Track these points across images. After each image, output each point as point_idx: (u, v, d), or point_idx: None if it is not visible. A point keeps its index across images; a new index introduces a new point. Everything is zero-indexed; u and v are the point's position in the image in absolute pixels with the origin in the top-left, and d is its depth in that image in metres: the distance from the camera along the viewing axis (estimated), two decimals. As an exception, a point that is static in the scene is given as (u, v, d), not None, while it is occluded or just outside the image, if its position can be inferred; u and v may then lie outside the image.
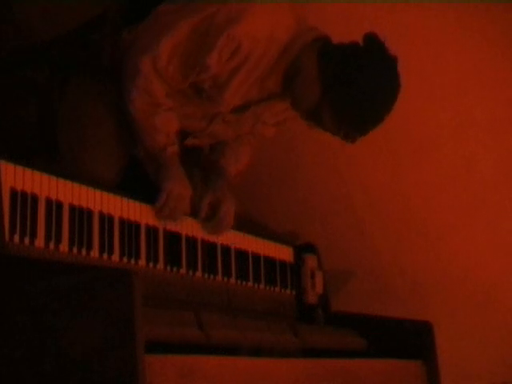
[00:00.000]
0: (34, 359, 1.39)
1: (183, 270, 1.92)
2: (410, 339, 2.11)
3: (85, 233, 1.69)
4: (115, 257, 1.76)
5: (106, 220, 1.76)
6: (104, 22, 2.08)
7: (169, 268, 1.88)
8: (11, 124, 2.32)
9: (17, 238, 1.54)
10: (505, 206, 2.39)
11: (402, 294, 2.57)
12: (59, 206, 1.65)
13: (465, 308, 2.46)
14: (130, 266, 1.79)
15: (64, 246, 1.64)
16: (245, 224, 2.15)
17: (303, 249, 2.33)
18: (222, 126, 2.03)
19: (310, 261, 2.31)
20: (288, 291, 2.25)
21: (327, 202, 2.65)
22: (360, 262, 2.63)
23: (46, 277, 1.43)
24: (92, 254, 1.70)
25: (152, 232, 1.87)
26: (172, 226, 1.93)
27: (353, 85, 1.80)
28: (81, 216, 1.70)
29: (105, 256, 1.73)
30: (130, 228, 1.81)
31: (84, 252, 1.68)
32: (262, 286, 2.15)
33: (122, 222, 1.80)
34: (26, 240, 1.56)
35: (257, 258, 2.16)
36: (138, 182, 2.00)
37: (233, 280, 2.06)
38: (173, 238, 1.92)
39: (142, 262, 1.82)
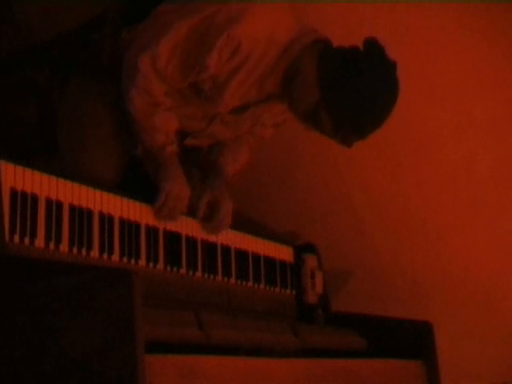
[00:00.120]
0: (33, 359, 1.39)
1: (183, 270, 1.92)
2: (409, 339, 2.11)
3: (85, 233, 1.69)
4: (115, 257, 1.76)
5: (106, 220, 1.76)
6: (104, 22, 2.08)
7: (169, 268, 1.88)
8: (11, 124, 2.32)
9: (17, 238, 1.54)
10: (505, 206, 2.39)
11: (402, 294, 2.57)
12: (59, 206, 1.65)
13: (465, 308, 2.47)
14: (130, 266, 1.79)
15: (64, 246, 1.64)
16: (245, 224, 2.15)
17: (303, 249, 2.33)
18: (221, 127, 2.03)
19: (310, 261, 2.31)
20: (288, 291, 2.25)
21: (327, 202, 2.65)
22: (360, 262, 2.63)
23: (46, 277, 1.43)
24: (92, 253, 1.70)
25: (152, 232, 1.87)
26: (172, 226, 1.93)
27: (352, 89, 1.80)
28: (81, 216, 1.70)
29: (105, 256, 1.73)
30: (130, 228, 1.81)
31: (84, 252, 1.68)
32: (261, 286, 2.15)
33: (122, 221, 1.80)
34: (26, 240, 1.56)
35: (257, 257, 2.16)
36: (138, 182, 2.00)
37: (233, 280, 2.06)
38: (173, 238, 1.92)
39: (142, 261, 1.82)
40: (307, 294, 2.28)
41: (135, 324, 1.33)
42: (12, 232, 1.54)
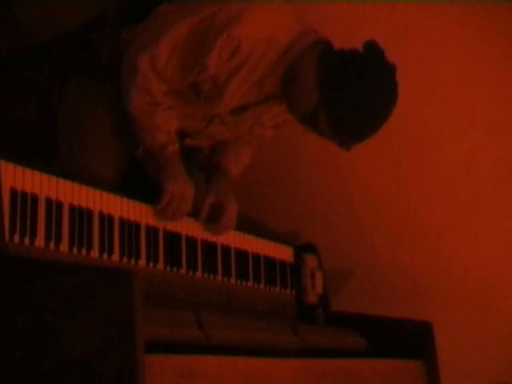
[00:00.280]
0: (33, 359, 1.39)
1: (183, 270, 1.92)
2: (410, 339, 2.11)
3: (85, 233, 1.69)
4: (115, 257, 1.76)
5: (106, 220, 1.76)
6: (104, 22, 2.08)
7: (169, 268, 1.88)
8: (11, 124, 2.32)
9: (17, 238, 1.54)
10: (505, 206, 2.39)
11: (402, 294, 2.57)
12: (59, 206, 1.65)
13: (465, 308, 2.47)
14: (130, 266, 1.79)
15: (64, 246, 1.64)
16: (245, 224, 2.15)
17: (303, 249, 2.33)
18: (221, 128, 2.03)
19: (310, 261, 2.31)
20: (288, 291, 2.25)
21: (327, 202, 2.65)
22: (360, 262, 2.63)
23: (46, 277, 1.43)
24: (92, 253, 1.70)
25: (152, 232, 1.87)
26: (172, 226, 1.93)
27: (351, 91, 1.80)
28: (81, 216, 1.70)
29: (105, 256, 1.73)
30: (130, 228, 1.81)
31: (84, 252, 1.68)
32: (261, 286, 2.15)
33: (122, 221, 1.80)
34: (26, 240, 1.56)
35: (257, 257, 2.16)
36: (138, 182, 2.00)
37: (233, 280, 2.06)
38: (173, 238, 1.92)
39: (142, 261, 1.82)
40: (307, 294, 2.28)
41: (135, 324, 1.33)
42: (12, 232, 1.54)
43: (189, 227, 1.97)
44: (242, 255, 2.11)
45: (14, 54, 2.40)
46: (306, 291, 2.28)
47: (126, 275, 1.35)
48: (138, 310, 1.34)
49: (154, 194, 1.89)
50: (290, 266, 2.29)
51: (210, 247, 2.02)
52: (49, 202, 1.64)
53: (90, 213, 1.72)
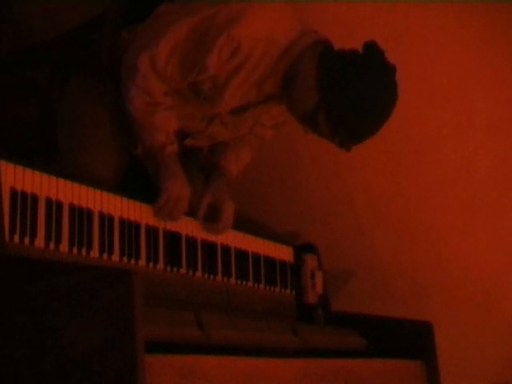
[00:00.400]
0: (34, 359, 1.39)
1: (183, 270, 1.92)
2: (410, 339, 2.11)
3: (85, 233, 1.69)
4: (115, 257, 1.76)
5: (106, 220, 1.76)
6: (104, 22, 2.08)
7: (169, 268, 1.89)
8: (11, 124, 2.32)
9: (17, 238, 1.54)
10: (505, 206, 2.39)
11: (402, 293, 2.57)
12: (59, 206, 1.65)
13: (465, 308, 2.47)
14: (130, 266, 1.79)
15: (64, 246, 1.64)
16: (245, 224, 2.15)
17: (303, 249, 2.33)
18: (221, 128, 2.03)
19: (310, 261, 2.31)
20: (288, 291, 2.25)
21: (327, 202, 2.65)
22: (360, 262, 2.63)
23: (46, 277, 1.43)
24: (92, 253, 1.70)
25: (152, 232, 1.87)
26: (172, 226, 1.93)
27: (350, 92, 1.80)
28: (81, 216, 1.70)
29: (105, 256, 1.73)
30: (130, 228, 1.81)
31: (84, 252, 1.68)
32: (261, 286, 2.15)
33: (122, 221, 1.80)
34: (26, 240, 1.56)
35: (257, 258, 2.16)
36: (138, 182, 2.00)
37: (233, 280, 2.06)
38: (173, 238, 1.92)
39: (142, 262, 1.82)
40: (307, 293, 2.28)
41: (135, 324, 1.33)
42: (12, 232, 1.54)
43: (189, 227, 1.97)
44: (241, 255, 2.11)
45: (14, 54, 2.40)
46: (306, 291, 2.28)
47: (126, 275, 1.35)
48: (138, 310, 1.33)
49: (154, 193, 1.89)
50: (290, 265, 2.29)
51: (209, 247, 2.02)
52: (49, 202, 1.64)
53: (89, 213, 1.72)
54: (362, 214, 2.60)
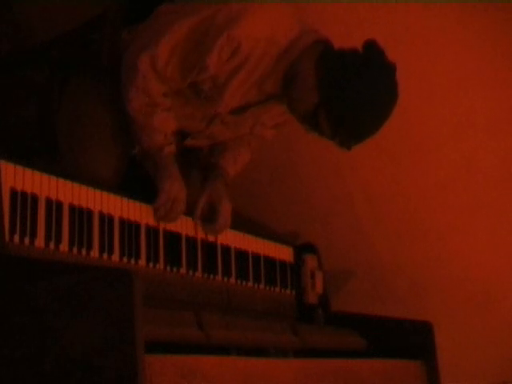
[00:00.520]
0: (33, 359, 1.39)
1: (183, 270, 1.92)
2: (410, 339, 2.11)
3: (85, 233, 1.69)
4: (115, 257, 1.76)
5: (106, 220, 1.76)
6: (104, 22, 2.08)
7: (169, 268, 1.89)
8: (11, 124, 2.32)
9: (17, 238, 1.55)
10: (505, 206, 2.39)
11: (401, 294, 2.57)
12: (59, 206, 1.65)
13: (465, 308, 2.47)
14: (130, 266, 1.79)
15: (64, 246, 1.64)
16: (245, 224, 2.15)
17: (303, 249, 2.33)
18: (221, 128, 2.03)
19: (310, 261, 2.31)
20: (288, 291, 2.25)
21: (327, 202, 2.65)
22: (360, 262, 2.63)
23: (46, 277, 1.43)
24: (92, 253, 1.70)
25: (152, 232, 1.87)
26: (172, 226, 1.93)
27: (350, 91, 1.79)
28: (81, 216, 1.70)
29: (105, 256, 1.73)
30: (130, 228, 1.81)
31: (84, 252, 1.68)
32: (261, 286, 2.15)
33: (122, 222, 1.80)
34: (26, 240, 1.56)
35: (257, 258, 2.16)
36: (138, 182, 2.00)
37: (233, 280, 2.06)
38: (173, 238, 1.92)
39: (142, 262, 1.82)
40: (307, 294, 2.28)
41: (135, 324, 1.33)
42: (12, 232, 1.54)
43: (189, 227, 1.97)
44: (241, 255, 2.11)
45: (14, 54, 2.40)
46: (306, 291, 2.28)
47: (126, 275, 1.35)
48: (138, 310, 1.34)
49: (154, 194, 1.89)
50: (290, 266, 2.29)
51: (209, 247, 2.02)
52: (49, 201, 1.64)
53: (89, 213, 1.72)
54: (362, 214, 2.60)
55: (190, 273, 1.94)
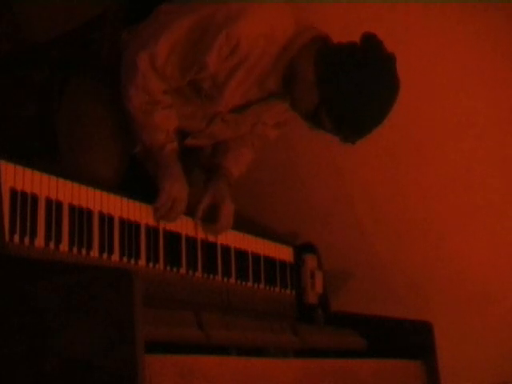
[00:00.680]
0: (33, 359, 1.39)
1: (183, 270, 1.92)
2: (410, 339, 2.11)
3: (85, 233, 1.69)
4: (115, 257, 1.76)
5: (106, 220, 1.76)
6: (104, 22, 2.08)
7: (169, 268, 1.89)
8: (11, 124, 2.32)
9: (17, 237, 1.54)
10: (505, 206, 2.39)
11: (402, 294, 2.57)
12: (59, 206, 1.65)
13: (465, 308, 2.46)
14: (130, 266, 1.79)
15: (64, 246, 1.64)
16: (245, 224, 2.15)
17: (303, 249, 2.33)
18: (222, 126, 2.02)
19: (310, 261, 2.31)
20: (288, 291, 2.25)
21: (327, 202, 2.65)
22: (360, 262, 2.63)
23: (46, 277, 1.43)
24: (92, 253, 1.70)
25: (152, 232, 1.87)
26: (172, 226, 1.93)
27: (350, 88, 1.79)
28: (81, 216, 1.70)
29: (105, 256, 1.73)
30: (130, 228, 1.81)
31: (84, 252, 1.68)
32: (261, 286, 2.15)
33: (122, 222, 1.80)
34: (26, 240, 1.56)
35: (257, 258, 2.16)
36: (138, 181, 2.00)
37: (233, 280, 2.06)
38: (173, 238, 1.92)
39: (142, 262, 1.82)
40: (307, 294, 2.28)
41: (135, 324, 1.33)
42: (12, 232, 1.54)
43: (189, 227, 1.97)
44: (241, 255, 2.11)
45: (14, 54, 2.40)
46: (306, 291, 2.28)
47: (126, 275, 1.35)
48: (138, 310, 1.34)
49: (154, 193, 1.89)
50: (290, 266, 2.29)
51: (209, 247, 2.02)
52: (49, 201, 1.64)
53: (89, 213, 1.72)
54: (362, 213, 2.60)
55: (190, 273, 1.94)
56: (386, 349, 2.07)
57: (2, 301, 1.45)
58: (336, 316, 2.26)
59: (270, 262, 2.21)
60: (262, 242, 2.20)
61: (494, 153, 2.37)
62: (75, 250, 1.66)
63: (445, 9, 2.24)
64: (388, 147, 2.44)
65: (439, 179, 2.45)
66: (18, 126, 2.30)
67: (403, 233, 2.55)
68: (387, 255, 2.59)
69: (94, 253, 1.71)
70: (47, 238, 1.61)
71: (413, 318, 2.15)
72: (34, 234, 1.58)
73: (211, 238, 2.03)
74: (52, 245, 1.61)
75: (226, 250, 2.06)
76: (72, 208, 1.68)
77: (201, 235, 2.00)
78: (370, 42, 1.80)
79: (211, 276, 2.00)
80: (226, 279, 2.04)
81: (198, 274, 1.96)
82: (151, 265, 1.84)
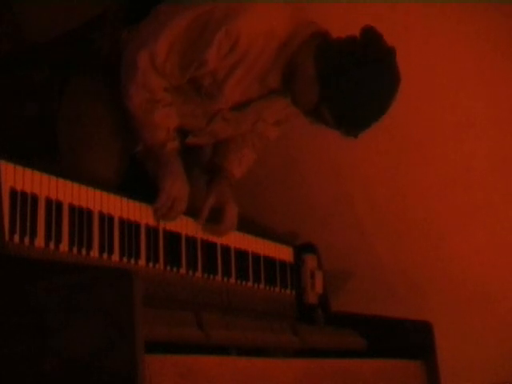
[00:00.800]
0: (33, 359, 1.39)
1: (183, 270, 1.92)
2: (410, 339, 2.11)
3: (85, 233, 1.69)
4: (115, 257, 1.76)
5: (106, 220, 1.76)
6: (104, 22, 2.08)
7: (169, 268, 1.89)
8: (11, 124, 2.32)
9: (17, 237, 1.54)
10: (504, 206, 2.39)
11: (402, 293, 2.57)
12: (59, 205, 1.65)
13: (465, 308, 2.46)
14: (130, 266, 1.79)
15: (64, 246, 1.64)
16: (245, 224, 2.15)
17: (303, 249, 2.33)
18: (222, 124, 2.02)
19: (310, 261, 2.31)
20: (288, 291, 2.25)
21: (327, 202, 2.65)
22: (360, 262, 2.63)
23: (46, 277, 1.43)
24: (92, 253, 1.70)
25: (152, 232, 1.87)
26: (172, 226, 1.93)
27: (350, 82, 1.79)
28: (81, 216, 1.70)
29: (105, 256, 1.73)
30: (129, 228, 1.81)
31: (84, 252, 1.68)
32: (261, 286, 2.15)
33: (122, 222, 1.80)
34: (26, 240, 1.56)
35: (257, 258, 2.16)
36: (138, 181, 2.00)
37: (233, 280, 2.06)
38: (173, 238, 1.92)
39: (142, 262, 1.82)
40: (307, 294, 2.28)
41: (135, 324, 1.33)
42: (12, 232, 1.54)
43: (189, 227, 1.97)
44: (241, 255, 2.11)
45: (14, 54, 2.41)
46: (306, 291, 2.28)
47: (126, 275, 1.35)
48: (138, 310, 1.33)
49: (154, 193, 1.89)
50: (290, 266, 2.29)
51: (209, 247, 2.02)
52: (49, 201, 1.64)
53: (89, 213, 1.72)
54: (362, 213, 2.60)
55: (190, 273, 1.94)
56: (386, 349, 2.07)
57: (2, 301, 1.45)
58: (336, 316, 2.26)
59: (270, 262, 2.21)
60: (262, 242, 2.20)
61: (494, 153, 2.37)
62: (75, 250, 1.66)
63: (445, 9, 2.24)
64: (388, 147, 2.44)
65: (439, 179, 2.45)
66: (17, 126, 2.30)
67: (403, 233, 2.55)
68: (387, 255, 2.59)
69: (94, 253, 1.71)
70: (47, 238, 1.61)
71: (413, 317, 2.15)
72: (33, 234, 1.58)
73: (211, 238, 2.03)
74: (52, 245, 1.61)
75: (225, 249, 2.06)
76: (72, 208, 1.68)
77: (201, 235, 2.00)
78: (370, 36, 1.80)
79: (211, 276, 2.00)
80: (226, 279, 2.04)
81: (198, 274, 1.96)
82: (151, 265, 1.84)
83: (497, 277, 2.43)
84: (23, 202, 1.58)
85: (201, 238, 2.00)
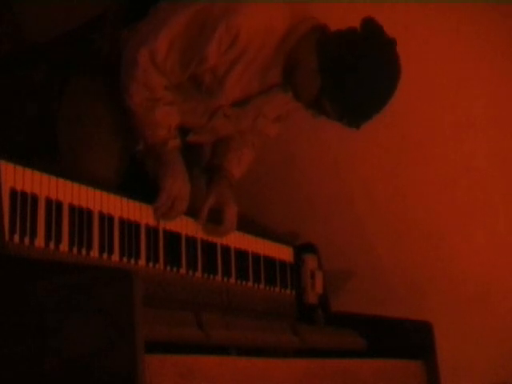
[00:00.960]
0: (33, 359, 1.39)
1: (183, 270, 1.92)
2: (409, 339, 2.11)
3: (85, 233, 1.69)
4: (115, 257, 1.76)
5: (106, 220, 1.76)
6: (104, 22, 2.08)
7: (169, 268, 1.88)
8: (11, 124, 2.32)
9: (17, 237, 1.54)
10: (504, 206, 2.39)
11: (402, 293, 2.57)
12: (59, 205, 1.65)
13: (465, 308, 2.46)
14: (130, 266, 1.79)
15: (64, 246, 1.64)
16: (245, 224, 2.15)
17: (303, 249, 2.33)
18: (223, 121, 2.02)
19: (310, 261, 2.31)
20: (288, 291, 2.25)
21: (327, 202, 2.65)
22: (360, 262, 2.63)
23: (46, 277, 1.43)
24: (92, 253, 1.70)
25: (152, 232, 1.87)
26: (172, 226, 1.93)
27: (351, 73, 1.79)
28: (81, 216, 1.70)
29: (105, 256, 1.73)
30: (129, 228, 1.81)
31: (84, 252, 1.68)
32: (261, 285, 2.15)
33: (122, 222, 1.80)
34: (26, 240, 1.56)
35: (257, 258, 2.16)
36: (138, 181, 2.00)
37: (233, 280, 2.06)
38: (173, 238, 1.92)
39: (142, 262, 1.82)
40: (307, 294, 2.28)
41: (135, 324, 1.33)
42: (12, 232, 1.53)
43: (189, 227, 1.97)
44: (241, 255, 2.11)
45: (14, 54, 2.41)
46: (306, 291, 2.28)
47: (126, 275, 1.35)
48: (138, 310, 1.33)
49: (154, 193, 1.89)
50: (290, 266, 2.29)
51: (209, 247, 2.02)
52: (49, 201, 1.63)
53: (89, 213, 1.72)
54: (362, 213, 2.60)
55: (190, 273, 1.94)
56: (386, 349, 2.07)
57: (2, 301, 1.45)
58: (336, 316, 2.26)
59: (270, 262, 2.21)
60: (262, 242, 2.20)
61: (494, 153, 2.37)
62: (75, 250, 1.66)
63: (445, 9, 2.24)
64: (388, 147, 2.45)
65: (439, 179, 2.45)
66: (17, 126, 2.30)
67: (403, 233, 2.55)
68: (387, 255, 2.59)
69: (94, 253, 1.71)
70: (47, 238, 1.61)
71: (413, 317, 2.15)
72: (33, 234, 1.58)
73: (211, 238, 2.03)
74: (52, 245, 1.61)
75: (225, 249, 2.06)
76: (72, 208, 1.68)
77: (201, 235, 2.00)
78: (370, 27, 1.81)
79: (211, 276, 2.00)
80: (226, 279, 2.04)
81: (198, 274, 1.96)
82: (151, 265, 1.84)
83: (497, 277, 2.43)
84: (23, 202, 1.58)
85: (201, 237, 2.00)
